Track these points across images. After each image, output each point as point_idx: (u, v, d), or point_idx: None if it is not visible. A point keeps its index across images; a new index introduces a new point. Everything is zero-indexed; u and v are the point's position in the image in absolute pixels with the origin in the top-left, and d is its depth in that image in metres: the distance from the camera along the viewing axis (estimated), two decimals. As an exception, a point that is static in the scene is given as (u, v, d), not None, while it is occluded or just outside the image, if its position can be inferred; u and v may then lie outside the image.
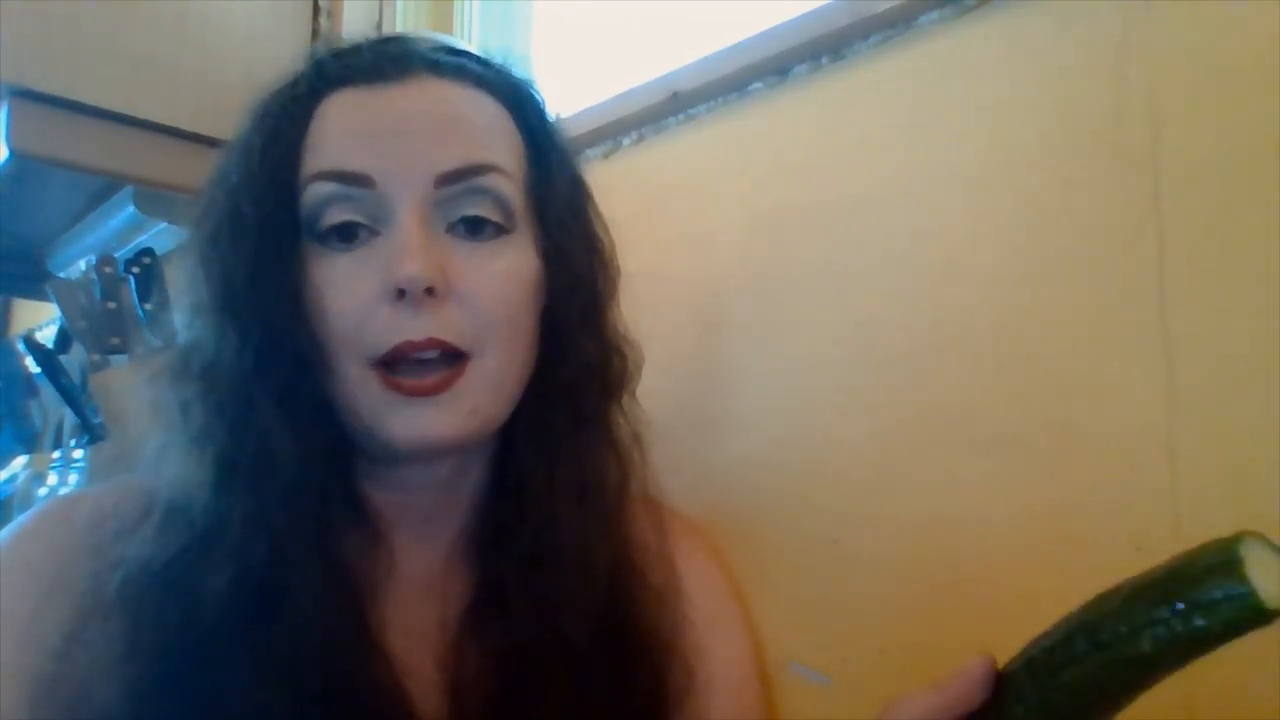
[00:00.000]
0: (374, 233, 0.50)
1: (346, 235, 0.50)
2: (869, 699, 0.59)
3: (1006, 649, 0.56)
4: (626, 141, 0.81)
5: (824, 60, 0.67)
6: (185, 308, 0.52)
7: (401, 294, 0.47)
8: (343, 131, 0.51)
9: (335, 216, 0.49)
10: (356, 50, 0.54)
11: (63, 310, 1.12)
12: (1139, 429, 0.50)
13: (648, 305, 0.62)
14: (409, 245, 0.48)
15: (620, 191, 0.62)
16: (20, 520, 0.52)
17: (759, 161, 0.71)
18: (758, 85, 0.71)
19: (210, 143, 1.01)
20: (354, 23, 1.12)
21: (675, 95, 0.75)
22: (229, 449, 0.48)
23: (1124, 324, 0.51)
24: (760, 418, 0.69)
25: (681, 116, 0.77)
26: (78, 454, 1.07)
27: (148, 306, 1.10)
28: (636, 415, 0.59)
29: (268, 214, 0.50)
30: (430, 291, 0.48)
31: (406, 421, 0.48)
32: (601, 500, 0.56)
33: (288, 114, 0.52)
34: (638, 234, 0.61)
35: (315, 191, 0.50)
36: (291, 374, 0.48)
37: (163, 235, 1.17)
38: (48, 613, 0.47)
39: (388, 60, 0.53)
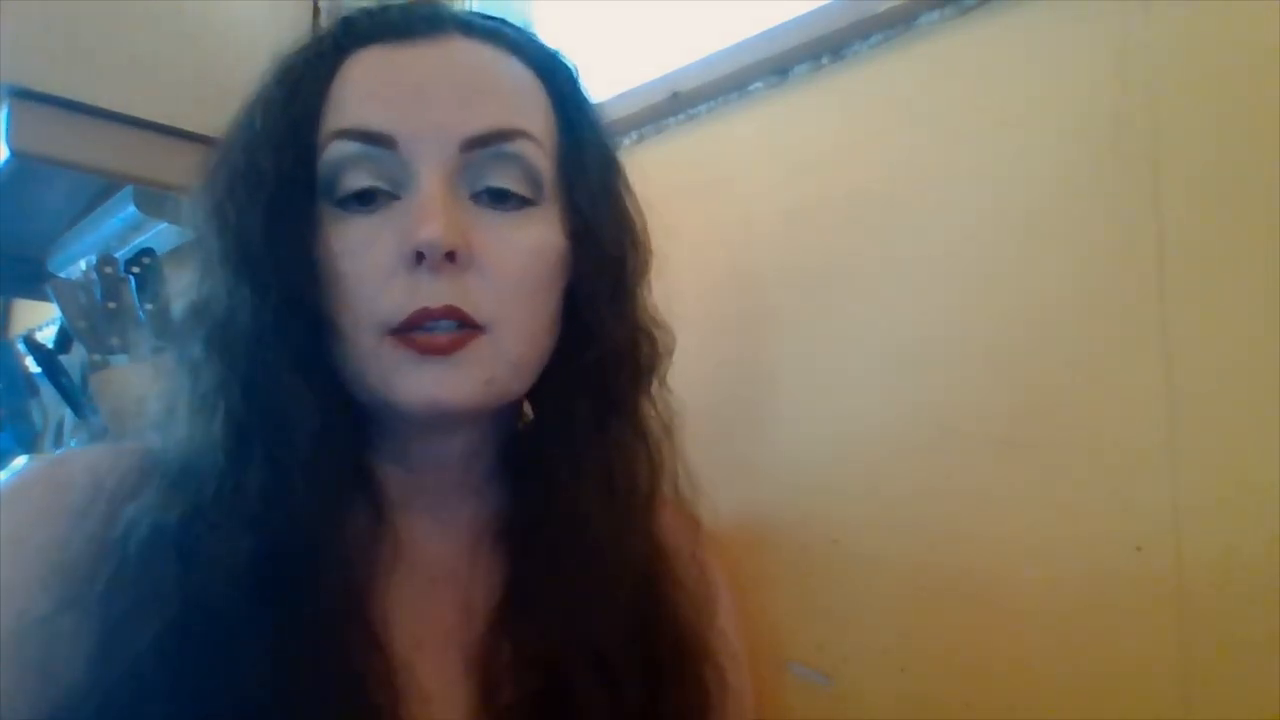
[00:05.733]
0: (394, 196, 0.47)
1: (365, 199, 0.47)
2: (869, 699, 0.59)
3: (1006, 649, 0.56)
4: (627, 141, 0.81)
5: (824, 60, 0.67)
6: (196, 263, 0.49)
7: (420, 258, 0.45)
8: (366, 89, 0.48)
9: (354, 180, 0.47)
10: (386, 9, 0.52)
11: (63, 310, 1.12)
12: (1139, 429, 0.50)
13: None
14: (430, 207, 0.45)
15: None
16: (2, 485, 0.48)
17: (759, 162, 0.71)
18: (758, 85, 0.71)
19: (210, 143, 1.01)
20: (354, 23, 1.12)
21: (675, 95, 0.75)
22: (242, 411, 0.46)
23: (1124, 324, 0.51)
24: (761, 418, 0.69)
25: (681, 116, 0.77)
26: (78, 454, 1.07)
27: (148, 306, 1.10)
28: (668, 404, 0.55)
29: (286, 170, 0.47)
30: (451, 257, 0.45)
31: (418, 382, 0.46)
32: (632, 497, 0.52)
33: (311, 69, 0.50)
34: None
35: (335, 150, 0.47)
36: (307, 337, 0.46)
37: (163, 235, 1.17)
38: (34, 581, 0.44)
39: (418, 18, 0.50)
